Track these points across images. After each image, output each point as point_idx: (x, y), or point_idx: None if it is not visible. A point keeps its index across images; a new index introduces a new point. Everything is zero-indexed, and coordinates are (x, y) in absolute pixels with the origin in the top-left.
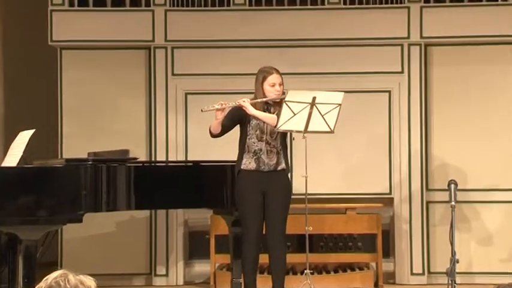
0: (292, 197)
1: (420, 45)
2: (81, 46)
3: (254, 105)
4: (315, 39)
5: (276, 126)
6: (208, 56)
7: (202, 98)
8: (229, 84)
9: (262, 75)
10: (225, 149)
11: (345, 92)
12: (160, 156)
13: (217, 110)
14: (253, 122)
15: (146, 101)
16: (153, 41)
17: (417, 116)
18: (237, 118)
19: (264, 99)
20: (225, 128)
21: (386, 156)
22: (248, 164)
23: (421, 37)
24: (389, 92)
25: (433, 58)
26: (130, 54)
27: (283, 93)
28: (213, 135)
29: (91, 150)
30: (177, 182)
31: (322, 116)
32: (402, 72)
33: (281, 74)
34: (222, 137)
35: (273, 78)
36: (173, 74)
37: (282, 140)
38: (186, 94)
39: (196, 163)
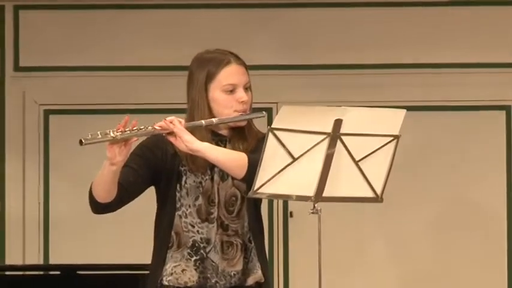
0: None
1: None
2: None
3: (193, 133)
4: None
5: (243, 179)
6: (98, 28)
7: (80, 120)
8: (144, 91)
9: (205, 68)
10: (134, 235)
11: (408, 108)
12: None
13: (113, 142)
14: (190, 179)
15: None
16: None
17: None
18: (152, 166)
19: (214, 122)
20: (129, 189)
21: (504, 250)
22: (179, 273)
23: None
24: (507, 108)
25: None
26: None
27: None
28: (100, 207)
29: None
30: None
31: (356, 163)
32: None
33: (247, 67)
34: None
35: (230, 73)
36: (17, 69)
37: (252, 217)
38: (46, 112)
39: (67, 269)
